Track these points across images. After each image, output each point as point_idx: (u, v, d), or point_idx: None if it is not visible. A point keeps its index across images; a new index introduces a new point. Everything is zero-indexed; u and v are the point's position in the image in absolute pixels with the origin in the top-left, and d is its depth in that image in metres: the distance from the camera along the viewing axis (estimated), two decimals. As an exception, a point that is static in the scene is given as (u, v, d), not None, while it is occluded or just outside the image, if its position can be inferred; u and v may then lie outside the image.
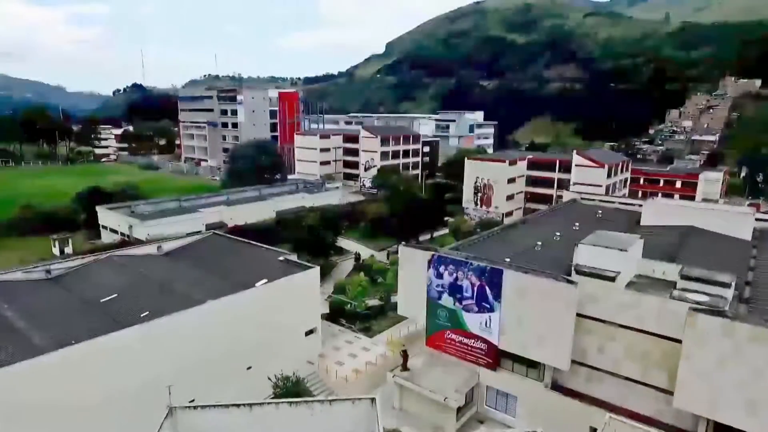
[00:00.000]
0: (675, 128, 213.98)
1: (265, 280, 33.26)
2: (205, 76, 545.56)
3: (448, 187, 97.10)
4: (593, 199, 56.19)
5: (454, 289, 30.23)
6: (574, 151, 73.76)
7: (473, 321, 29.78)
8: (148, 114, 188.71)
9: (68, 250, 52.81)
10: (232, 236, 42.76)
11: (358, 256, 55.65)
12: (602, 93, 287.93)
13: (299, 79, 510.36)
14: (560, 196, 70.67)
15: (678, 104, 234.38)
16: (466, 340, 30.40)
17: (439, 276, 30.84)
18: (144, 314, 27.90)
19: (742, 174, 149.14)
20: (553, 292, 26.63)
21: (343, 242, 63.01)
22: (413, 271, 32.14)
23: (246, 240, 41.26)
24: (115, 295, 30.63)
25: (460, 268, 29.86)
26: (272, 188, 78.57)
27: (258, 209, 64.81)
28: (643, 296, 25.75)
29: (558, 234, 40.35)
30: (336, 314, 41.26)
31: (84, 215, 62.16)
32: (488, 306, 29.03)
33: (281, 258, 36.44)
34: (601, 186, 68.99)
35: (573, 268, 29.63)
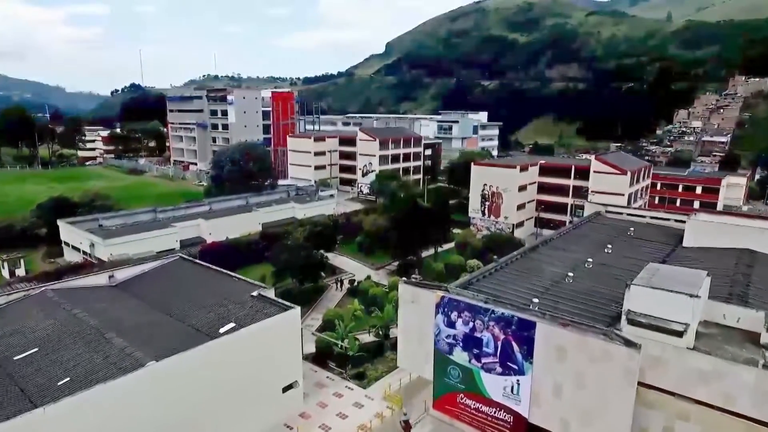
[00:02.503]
0: (684, 129, 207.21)
1: (231, 325, 26.59)
2: (204, 76, 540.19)
3: (452, 192, 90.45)
4: (620, 212, 49.42)
5: (471, 343, 23.53)
6: (593, 157, 67.04)
7: (495, 385, 23.06)
8: (142, 114, 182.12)
9: (20, 272, 46.10)
10: (201, 262, 36.02)
11: (344, 281, 48.62)
12: (606, 93, 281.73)
13: (299, 79, 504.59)
14: (580, 207, 63.93)
15: (684, 104, 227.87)
16: (485, 408, 23.67)
17: (451, 324, 24.13)
18: (63, 381, 21.20)
19: (757, 176, 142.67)
20: (607, 356, 19.93)
21: (338, 259, 56.34)
22: (417, 315, 25.48)
23: (215, 268, 34.48)
24: (36, 349, 23.90)
25: (478, 316, 23.15)
26: (260, 196, 71.82)
27: (241, 222, 58.10)
28: (730, 365, 19.01)
29: (590, 260, 33.62)
30: (324, 356, 34.46)
31: (45, 229, 55.35)
32: (515, 367, 22.30)
33: (254, 293, 29.67)
34: (623, 195, 62.26)
35: (624, 316, 22.86)
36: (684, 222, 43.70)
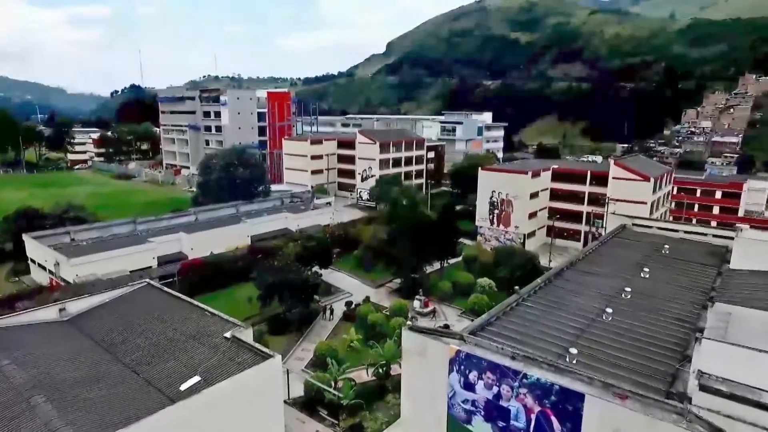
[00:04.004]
0: (693, 129, 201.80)
1: (196, 379, 21.40)
2: (204, 76, 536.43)
3: (457, 197, 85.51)
4: (649, 225, 44.15)
5: (495, 412, 18.35)
6: (612, 161, 61.86)
7: (528, 468, 17.86)
8: (139, 116, 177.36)
9: (-25, 294, 40.94)
10: (170, 290, 30.81)
11: (333, 309, 42.84)
12: (611, 92, 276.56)
13: (299, 79, 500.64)
14: (598, 216, 58.85)
15: (693, 103, 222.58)
16: (514, 496, 18.47)
17: (469, 386, 18.95)
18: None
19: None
20: (686, 447, 14.74)
21: (333, 275, 51.23)
22: (425, 371, 20.32)
23: (186, 298, 29.37)
24: (-62, 421, 18.71)
25: (505, 380, 17.97)
26: (251, 204, 66.82)
27: (228, 234, 53.00)
28: None
29: (627, 289, 28.37)
30: (313, 401, 29.32)
31: (11, 244, 50.28)
32: (556, 449, 17.10)
33: (228, 335, 24.51)
34: (645, 203, 57.10)
35: (695, 380, 17.66)
36: (724, 237, 38.84)
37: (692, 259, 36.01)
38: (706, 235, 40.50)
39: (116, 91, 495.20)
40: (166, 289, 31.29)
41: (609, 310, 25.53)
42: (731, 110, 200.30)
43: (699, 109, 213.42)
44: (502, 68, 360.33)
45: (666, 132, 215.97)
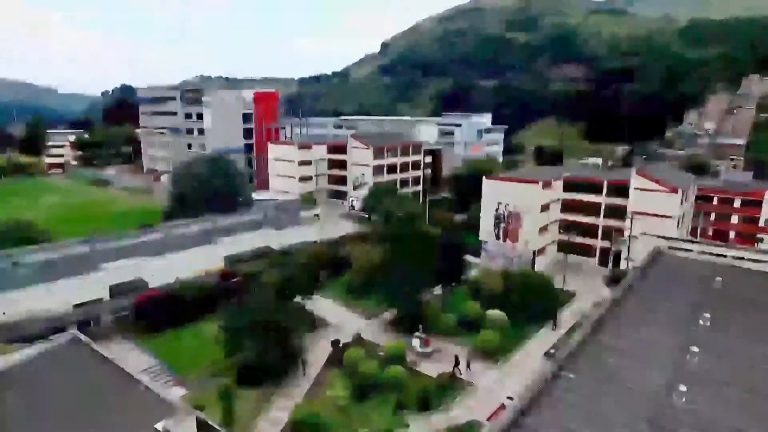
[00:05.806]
0: (696, 131, 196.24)
1: None
2: (197, 76, 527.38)
3: (457, 206, 78.92)
4: (688, 249, 37.52)
5: None
6: (634, 171, 55.33)
7: None
8: (126, 117, 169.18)
9: None
10: (99, 350, 23.80)
11: (306, 363, 34.48)
12: (610, 93, 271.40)
13: (293, 79, 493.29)
14: (619, 231, 52.44)
15: (694, 104, 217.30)
16: None
17: None
18: None
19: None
20: None
21: (320, 304, 44.35)
22: None
23: (116, 363, 22.42)
24: None
25: None
26: (230, 217, 59.88)
27: (198, 257, 46.14)
28: None
29: (694, 350, 21.74)
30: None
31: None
32: None
33: (160, 427, 17.68)
34: (671, 217, 50.68)
35: None
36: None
37: (755, 296, 29.45)
38: (763, 262, 33.91)
39: (107, 91, 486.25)
40: (94, 346, 24.34)
41: (682, 388, 18.85)
42: (735, 112, 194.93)
43: (701, 110, 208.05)
44: (499, 69, 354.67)
45: (668, 134, 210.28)
